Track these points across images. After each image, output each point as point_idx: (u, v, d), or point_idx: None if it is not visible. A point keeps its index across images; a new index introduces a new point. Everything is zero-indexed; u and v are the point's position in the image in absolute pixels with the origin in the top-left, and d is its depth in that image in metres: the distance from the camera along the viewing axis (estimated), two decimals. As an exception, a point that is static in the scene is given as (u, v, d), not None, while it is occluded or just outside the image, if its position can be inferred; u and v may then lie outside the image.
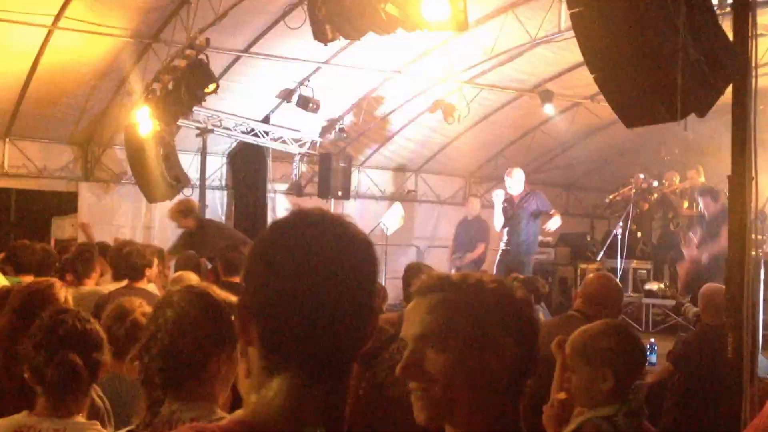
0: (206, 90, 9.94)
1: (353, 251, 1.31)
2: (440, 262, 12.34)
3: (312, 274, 1.26)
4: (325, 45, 8.07)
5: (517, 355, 1.54)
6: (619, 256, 11.01)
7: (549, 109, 12.44)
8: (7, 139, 11.87)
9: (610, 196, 12.83)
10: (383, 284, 10.92)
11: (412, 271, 5.46)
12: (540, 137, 14.17)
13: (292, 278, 1.26)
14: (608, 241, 11.59)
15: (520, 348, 1.54)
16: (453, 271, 9.97)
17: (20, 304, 3.45)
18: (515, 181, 10.66)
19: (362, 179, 14.56)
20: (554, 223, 10.66)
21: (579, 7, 5.21)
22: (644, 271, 12.13)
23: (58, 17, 9.58)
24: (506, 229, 10.63)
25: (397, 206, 12.89)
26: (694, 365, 5.58)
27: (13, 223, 12.35)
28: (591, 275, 4.88)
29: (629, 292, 11.20)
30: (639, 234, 12.31)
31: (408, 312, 1.62)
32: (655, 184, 11.86)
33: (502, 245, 10.74)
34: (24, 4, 9.36)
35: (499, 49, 11.01)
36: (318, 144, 13.40)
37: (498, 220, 10.74)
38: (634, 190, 11.90)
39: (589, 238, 13.51)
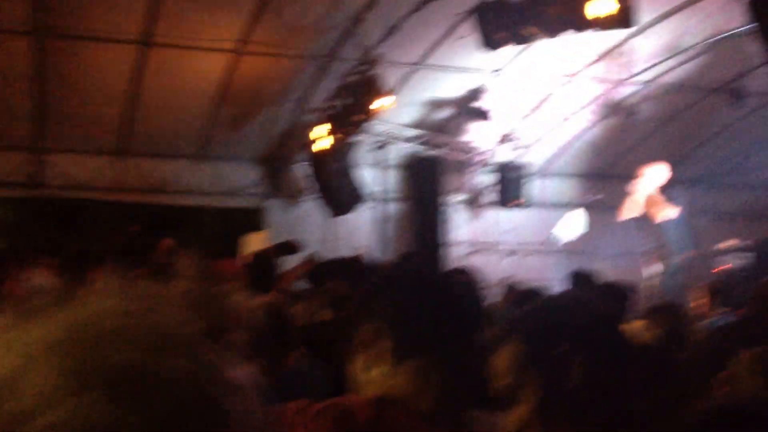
0: (381, 104, 10.12)
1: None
2: (626, 271, 11.81)
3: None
4: (495, 50, 7.99)
5: (590, 365, 1.63)
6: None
7: (742, 107, 11.63)
8: (201, 161, 12.66)
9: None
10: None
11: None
12: (732, 137, 13.26)
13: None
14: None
15: (591, 359, 1.63)
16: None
17: None
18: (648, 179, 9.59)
19: (541, 186, 14.24)
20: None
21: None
22: None
23: (243, 42, 10.13)
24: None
25: (575, 214, 12.48)
26: None
27: (208, 240, 13.12)
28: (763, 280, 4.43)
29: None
30: None
31: None
32: None
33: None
34: (211, 32, 9.97)
35: (684, 45, 10.44)
36: (495, 152, 13.26)
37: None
38: None
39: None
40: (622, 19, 5.95)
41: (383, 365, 1.66)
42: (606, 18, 6.03)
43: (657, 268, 9.78)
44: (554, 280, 11.71)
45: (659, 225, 9.35)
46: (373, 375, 1.68)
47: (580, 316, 1.70)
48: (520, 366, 1.68)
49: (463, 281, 1.53)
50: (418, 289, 1.72)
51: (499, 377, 1.72)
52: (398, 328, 1.67)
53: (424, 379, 1.64)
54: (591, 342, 1.65)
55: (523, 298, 5.02)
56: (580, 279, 5.27)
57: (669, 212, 9.22)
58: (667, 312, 4.87)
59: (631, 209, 9.60)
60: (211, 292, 2.79)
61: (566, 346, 1.63)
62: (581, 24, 6.37)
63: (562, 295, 1.90)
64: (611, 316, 1.74)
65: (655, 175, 9.48)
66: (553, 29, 6.93)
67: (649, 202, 9.26)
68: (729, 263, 12.00)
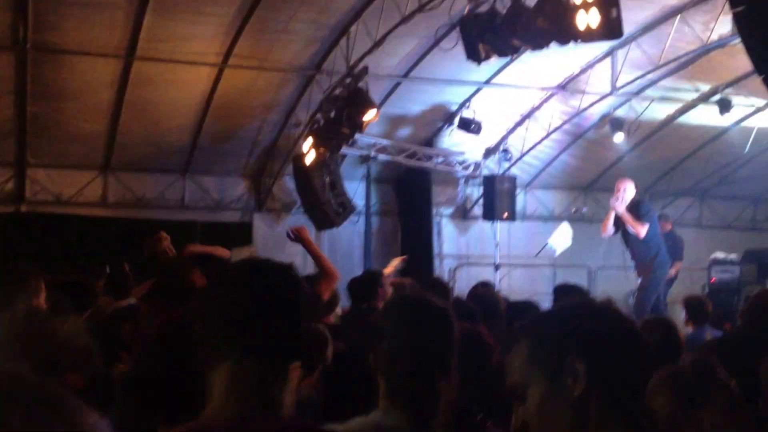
0: (366, 117, 10.07)
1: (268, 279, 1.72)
2: (616, 284, 11.78)
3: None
4: (479, 64, 7.96)
5: (598, 372, 1.58)
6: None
7: (726, 118, 11.66)
8: (186, 175, 12.57)
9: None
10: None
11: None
12: (720, 148, 13.28)
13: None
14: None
15: (598, 365, 1.58)
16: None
17: None
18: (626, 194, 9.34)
19: (528, 200, 14.21)
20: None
21: (741, 6, 4.82)
22: None
23: (227, 56, 10.07)
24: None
25: (565, 226, 12.43)
26: None
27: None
28: (755, 292, 4.40)
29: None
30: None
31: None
32: None
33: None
34: (195, 45, 9.90)
35: (668, 57, 10.46)
36: (482, 165, 13.23)
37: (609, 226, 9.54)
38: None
39: (778, 255, 12.44)
40: (608, 31, 5.93)
41: None
42: (591, 30, 6.01)
43: (641, 281, 9.69)
44: (542, 293, 11.66)
45: (639, 239, 9.28)
46: None
47: (588, 322, 1.66)
48: (526, 365, 1.66)
49: (291, 276, 1.49)
50: (231, 287, 1.68)
51: (509, 374, 1.69)
52: (210, 328, 1.65)
53: (233, 382, 1.59)
54: (598, 349, 1.62)
55: (516, 309, 4.96)
56: (566, 292, 5.20)
57: (640, 228, 9.15)
58: (658, 324, 4.80)
59: (610, 224, 9.54)
60: (47, 326, 2.66)
61: (573, 352, 1.60)
62: (566, 36, 6.36)
63: (572, 302, 1.83)
64: (621, 323, 1.67)
65: (628, 190, 9.38)
66: (537, 42, 6.92)
67: (624, 217, 9.21)
68: (714, 277, 12.01)
